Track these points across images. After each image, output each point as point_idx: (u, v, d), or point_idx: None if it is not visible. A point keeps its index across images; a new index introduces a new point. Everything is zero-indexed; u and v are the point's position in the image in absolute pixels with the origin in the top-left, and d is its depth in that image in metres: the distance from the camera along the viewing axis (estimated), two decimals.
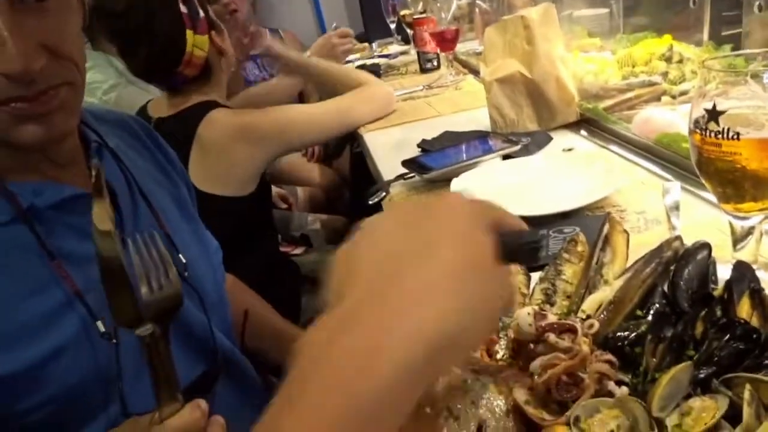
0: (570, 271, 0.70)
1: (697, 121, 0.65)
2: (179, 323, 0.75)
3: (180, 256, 0.79)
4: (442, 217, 0.39)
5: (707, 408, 0.48)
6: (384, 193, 1.18)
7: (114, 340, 0.65)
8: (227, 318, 0.93)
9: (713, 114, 0.62)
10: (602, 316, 0.61)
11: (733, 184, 0.65)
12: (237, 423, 0.66)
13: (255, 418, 0.34)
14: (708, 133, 0.63)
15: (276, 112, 1.44)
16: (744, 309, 0.57)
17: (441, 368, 0.36)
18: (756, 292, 0.58)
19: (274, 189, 2.21)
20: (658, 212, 0.91)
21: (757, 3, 1.38)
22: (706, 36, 1.61)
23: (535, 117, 1.35)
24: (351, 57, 2.77)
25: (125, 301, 0.56)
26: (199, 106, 1.38)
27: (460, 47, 2.29)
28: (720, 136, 0.62)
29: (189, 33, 1.30)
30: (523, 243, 0.40)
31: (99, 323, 0.65)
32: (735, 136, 0.61)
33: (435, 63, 2.25)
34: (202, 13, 1.34)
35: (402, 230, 0.39)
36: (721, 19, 1.65)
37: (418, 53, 2.28)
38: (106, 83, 1.90)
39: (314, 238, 2.04)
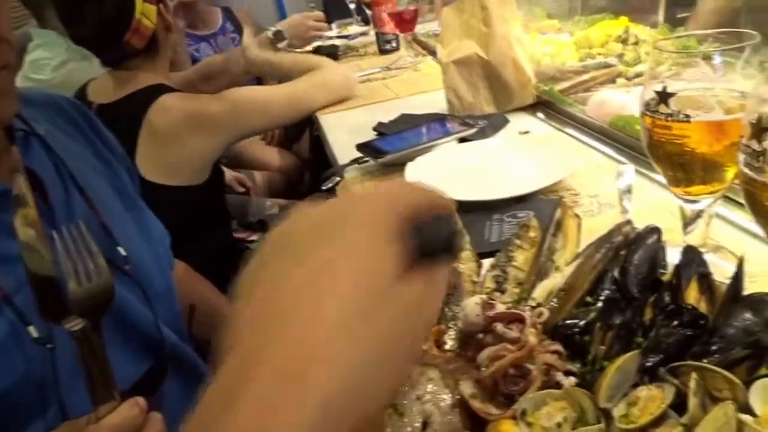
0: (521, 257, 0.69)
1: (648, 104, 0.64)
2: (121, 319, 0.71)
3: (120, 249, 0.75)
4: (338, 233, 0.32)
5: (654, 397, 0.47)
6: (338, 178, 1.15)
7: (49, 345, 0.61)
8: (175, 309, 0.89)
9: (663, 96, 0.61)
10: (552, 303, 0.60)
11: (682, 167, 0.64)
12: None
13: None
14: (658, 116, 0.62)
15: (229, 98, 1.39)
16: (692, 294, 0.57)
17: (350, 425, 0.29)
18: (704, 277, 0.57)
19: (231, 173, 2.16)
20: (611, 196, 0.90)
21: None
22: (661, 18, 1.62)
23: (491, 99, 1.33)
24: None
25: (53, 298, 0.54)
26: (147, 90, 1.33)
27: (420, 28, 2.25)
28: (670, 118, 0.61)
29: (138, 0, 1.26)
30: (436, 233, 0.33)
31: (31, 328, 0.61)
32: (685, 119, 0.60)
33: (394, 44, 2.21)
34: None
35: (294, 257, 0.32)
36: (676, 2, 1.66)
37: (377, 34, 2.24)
38: (55, 60, 1.81)
39: (273, 223, 2.00)
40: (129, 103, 1.32)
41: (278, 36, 1.80)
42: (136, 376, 0.73)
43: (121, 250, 0.75)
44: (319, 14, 2.06)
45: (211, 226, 1.49)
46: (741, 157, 0.52)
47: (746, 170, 0.51)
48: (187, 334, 0.95)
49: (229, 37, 2.52)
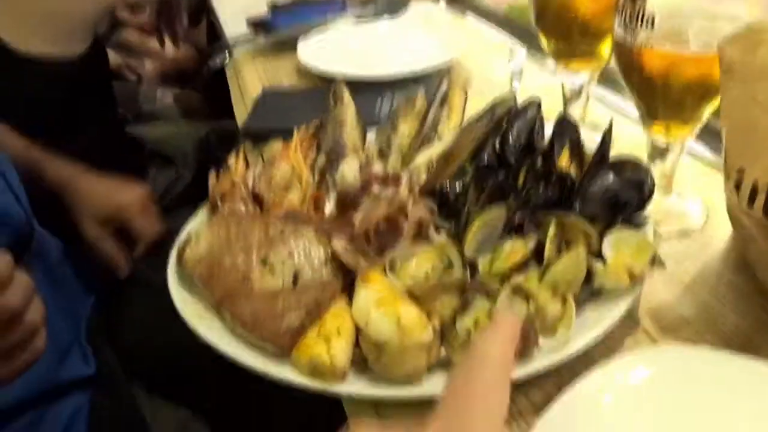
0: (406, 127, 0.68)
1: None
2: None
3: None
4: None
5: (517, 248, 0.49)
6: (227, 56, 1.08)
7: None
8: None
9: None
10: (432, 168, 0.60)
11: (565, 38, 0.64)
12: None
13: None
14: None
15: None
16: (564, 160, 0.58)
17: None
18: (575, 144, 0.59)
19: (120, 58, 1.99)
20: (502, 78, 0.91)
21: None
22: None
23: None
24: None
25: None
26: None
27: None
28: None
29: None
30: None
31: None
32: None
33: None
34: None
35: None
36: None
37: None
38: None
39: (167, 112, 1.89)
40: None
41: None
42: None
43: None
44: None
45: (92, 110, 1.37)
46: (616, 20, 0.52)
47: (619, 31, 0.51)
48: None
49: None
